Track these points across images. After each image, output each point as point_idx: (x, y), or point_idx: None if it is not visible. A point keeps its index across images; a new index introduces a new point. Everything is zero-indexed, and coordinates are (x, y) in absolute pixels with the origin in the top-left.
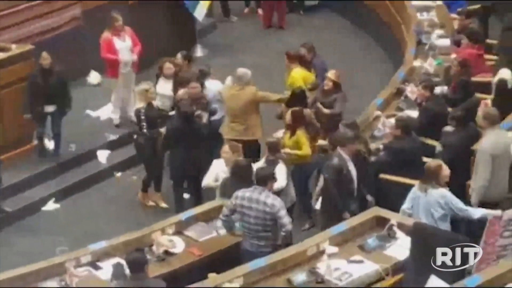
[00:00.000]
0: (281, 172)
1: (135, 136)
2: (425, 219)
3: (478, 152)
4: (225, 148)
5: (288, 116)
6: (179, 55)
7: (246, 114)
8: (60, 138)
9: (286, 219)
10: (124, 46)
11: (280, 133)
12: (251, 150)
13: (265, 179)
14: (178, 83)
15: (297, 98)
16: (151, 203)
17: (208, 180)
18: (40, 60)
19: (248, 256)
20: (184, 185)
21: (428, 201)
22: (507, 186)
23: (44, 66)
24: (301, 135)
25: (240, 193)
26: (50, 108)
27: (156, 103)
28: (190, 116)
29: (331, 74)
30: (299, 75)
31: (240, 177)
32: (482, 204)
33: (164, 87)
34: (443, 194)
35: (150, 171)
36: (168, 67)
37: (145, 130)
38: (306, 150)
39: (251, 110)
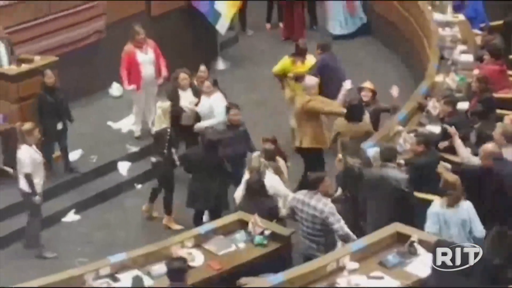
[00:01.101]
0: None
1: (153, 159)
2: (457, 234)
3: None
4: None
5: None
6: (202, 67)
7: (300, 122)
8: (68, 152)
9: (336, 225)
10: (146, 59)
11: None
12: (306, 158)
13: (315, 182)
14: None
15: (355, 110)
16: (177, 227)
17: (237, 193)
18: (45, 79)
19: (302, 256)
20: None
21: (460, 215)
22: None
23: (49, 84)
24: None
25: (297, 195)
26: (60, 125)
27: None
28: (215, 145)
29: (369, 84)
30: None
31: (253, 192)
32: None
33: (183, 99)
34: (471, 207)
35: (170, 191)
36: (184, 77)
37: (165, 151)
38: None
39: (303, 119)
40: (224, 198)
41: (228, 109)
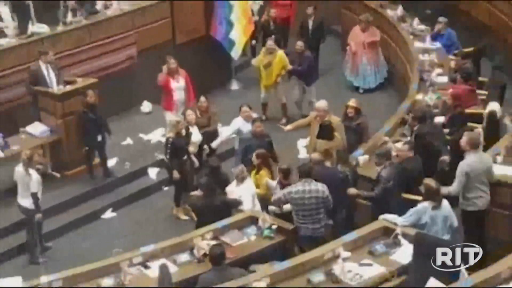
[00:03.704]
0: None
1: (161, 157)
2: (441, 228)
3: (457, 169)
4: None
5: (254, 156)
6: (202, 98)
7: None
8: (106, 160)
9: (331, 198)
10: (178, 86)
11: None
12: None
13: (309, 171)
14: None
15: (326, 130)
16: (184, 217)
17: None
18: (87, 98)
19: (305, 240)
20: None
21: (443, 212)
22: (489, 197)
23: (91, 102)
24: (262, 175)
25: (292, 188)
26: (100, 137)
27: None
28: (217, 170)
29: (352, 102)
30: (285, 58)
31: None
32: (470, 213)
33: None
34: (448, 204)
35: (179, 188)
36: (190, 113)
37: (167, 156)
38: (261, 191)
39: None
40: None
41: (253, 122)
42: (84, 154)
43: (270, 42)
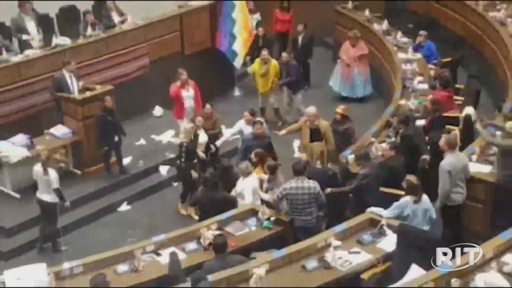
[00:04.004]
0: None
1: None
2: (422, 219)
3: (439, 169)
4: None
5: (253, 155)
6: (207, 106)
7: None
8: (122, 158)
9: (323, 195)
10: (187, 95)
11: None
12: None
13: (302, 170)
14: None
15: (315, 133)
16: (184, 212)
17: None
18: (105, 103)
19: (300, 231)
20: None
21: (424, 206)
22: (466, 192)
23: (109, 106)
24: (256, 171)
25: (287, 185)
26: (116, 138)
27: None
28: (228, 169)
29: (340, 108)
30: (278, 67)
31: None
32: (448, 207)
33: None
34: (427, 198)
35: (186, 188)
36: (199, 120)
37: (182, 160)
38: None
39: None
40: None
41: (253, 124)
42: (102, 153)
43: (264, 52)
